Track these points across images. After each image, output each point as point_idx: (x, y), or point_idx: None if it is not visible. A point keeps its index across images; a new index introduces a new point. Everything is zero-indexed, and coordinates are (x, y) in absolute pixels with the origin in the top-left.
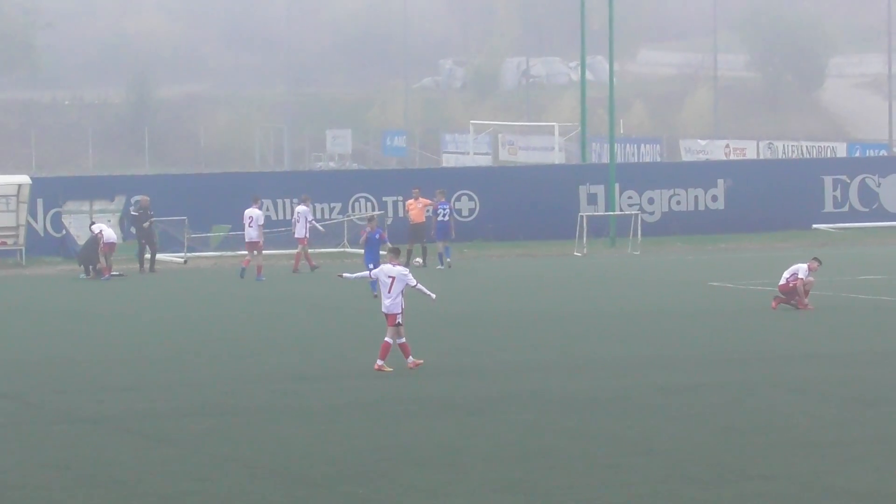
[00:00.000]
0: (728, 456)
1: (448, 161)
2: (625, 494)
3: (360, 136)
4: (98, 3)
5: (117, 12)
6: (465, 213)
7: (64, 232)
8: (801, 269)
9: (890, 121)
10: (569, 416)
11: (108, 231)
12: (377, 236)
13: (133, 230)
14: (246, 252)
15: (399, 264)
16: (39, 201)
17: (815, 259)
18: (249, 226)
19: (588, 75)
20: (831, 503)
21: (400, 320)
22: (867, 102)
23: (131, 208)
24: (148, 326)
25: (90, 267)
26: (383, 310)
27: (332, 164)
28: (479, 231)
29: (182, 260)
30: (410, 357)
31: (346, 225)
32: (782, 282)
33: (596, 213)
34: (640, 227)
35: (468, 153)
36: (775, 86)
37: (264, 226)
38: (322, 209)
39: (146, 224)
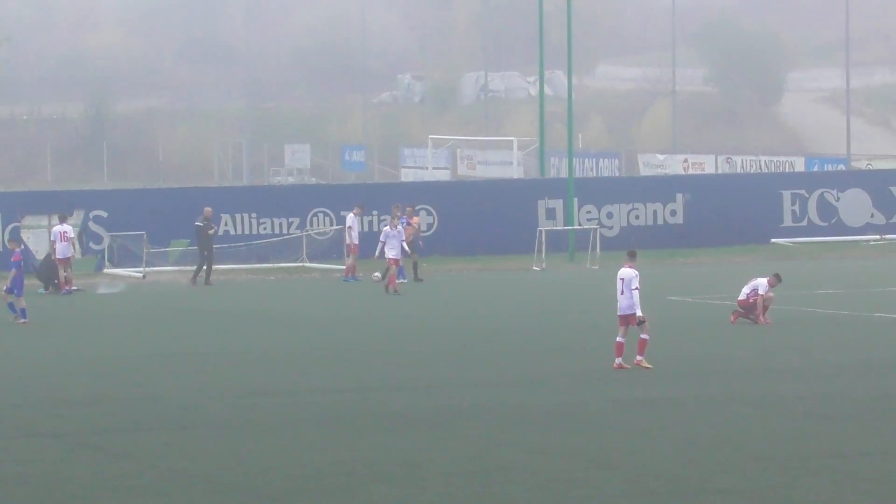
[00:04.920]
0: (686, 470)
1: (407, 175)
2: None
3: (319, 151)
4: (56, 18)
5: (76, 27)
6: (423, 227)
7: (23, 246)
8: (762, 284)
9: (848, 135)
10: (527, 430)
11: (61, 245)
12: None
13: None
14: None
15: (633, 266)
16: None
17: (776, 275)
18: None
19: (546, 90)
20: None
21: (641, 319)
22: (825, 117)
23: (197, 221)
24: (106, 341)
25: (49, 281)
26: (619, 311)
27: (290, 179)
28: (437, 246)
29: (140, 275)
30: (641, 356)
31: (304, 239)
32: (742, 297)
33: (555, 228)
34: (598, 242)
35: (427, 168)
36: (733, 100)
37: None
38: (280, 224)
39: (210, 231)
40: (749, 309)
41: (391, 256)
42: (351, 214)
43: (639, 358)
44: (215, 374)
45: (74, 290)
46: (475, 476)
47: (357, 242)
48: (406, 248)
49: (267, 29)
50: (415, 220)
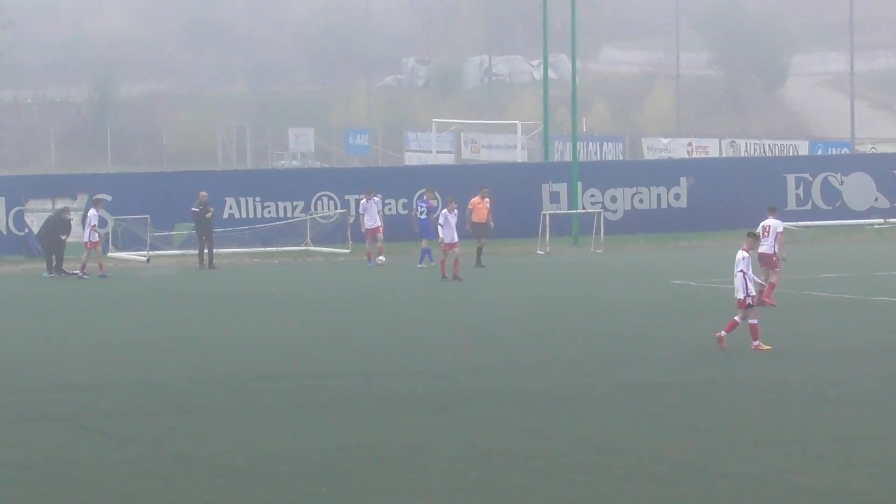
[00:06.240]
0: (691, 454)
1: (411, 159)
2: (587, 493)
3: (323, 135)
4: (60, 2)
5: (79, 11)
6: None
7: (26, 230)
8: (778, 224)
9: (852, 119)
10: (530, 415)
11: (86, 230)
12: None
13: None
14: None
15: (746, 249)
16: (1, 200)
17: (772, 209)
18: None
19: (550, 73)
20: (794, 501)
21: (751, 302)
22: (829, 101)
23: (193, 206)
24: (109, 325)
25: (52, 258)
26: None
27: (294, 163)
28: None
29: (144, 258)
30: (757, 341)
31: (308, 223)
32: (768, 250)
33: (559, 212)
34: (602, 226)
35: (431, 151)
36: (737, 84)
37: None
38: (284, 208)
39: (208, 215)
40: (770, 264)
41: (447, 241)
42: (363, 200)
43: (755, 343)
44: (219, 358)
45: (80, 275)
46: (478, 460)
47: (370, 226)
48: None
49: (270, 12)
50: (486, 201)
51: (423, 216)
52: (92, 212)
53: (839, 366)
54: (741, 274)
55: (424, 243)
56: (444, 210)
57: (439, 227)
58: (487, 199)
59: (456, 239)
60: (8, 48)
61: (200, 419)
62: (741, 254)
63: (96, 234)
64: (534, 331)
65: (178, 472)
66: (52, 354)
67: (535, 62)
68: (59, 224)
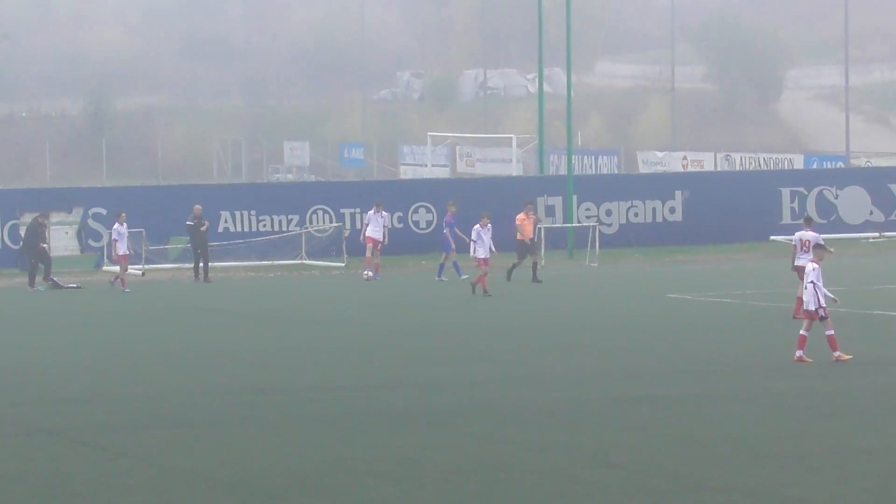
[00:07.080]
0: (685, 467)
1: (406, 173)
2: None
3: (318, 148)
4: (55, 16)
5: (75, 24)
6: (422, 225)
7: (21, 244)
8: (814, 237)
9: (847, 132)
10: (526, 428)
11: (122, 244)
12: None
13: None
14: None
15: (815, 260)
16: None
17: (807, 219)
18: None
19: (546, 87)
20: None
21: (823, 314)
22: (824, 114)
23: (188, 220)
24: (105, 338)
25: (37, 268)
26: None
27: (289, 177)
28: (436, 243)
29: (139, 272)
30: (837, 352)
31: (303, 237)
32: (804, 263)
33: (554, 225)
34: (598, 239)
35: (426, 165)
36: (733, 97)
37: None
38: (279, 221)
39: (203, 228)
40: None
41: (480, 256)
42: (371, 212)
43: (836, 354)
44: (214, 371)
45: (74, 286)
46: (474, 473)
47: (372, 236)
48: (493, 247)
49: (266, 26)
50: (532, 217)
51: (444, 230)
52: (116, 225)
53: (834, 378)
54: (811, 285)
55: (443, 257)
56: (477, 225)
57: (472, 244)
58: (533, 216)
59: (489, 254)
60: (3, 61)
61: (195, 432)
62: (811, 265)
63: (122, 248)
64: (529, 344)
65: (173, 485)
66: (48, 368)
67: (530, 76)
68: (35, 231)
